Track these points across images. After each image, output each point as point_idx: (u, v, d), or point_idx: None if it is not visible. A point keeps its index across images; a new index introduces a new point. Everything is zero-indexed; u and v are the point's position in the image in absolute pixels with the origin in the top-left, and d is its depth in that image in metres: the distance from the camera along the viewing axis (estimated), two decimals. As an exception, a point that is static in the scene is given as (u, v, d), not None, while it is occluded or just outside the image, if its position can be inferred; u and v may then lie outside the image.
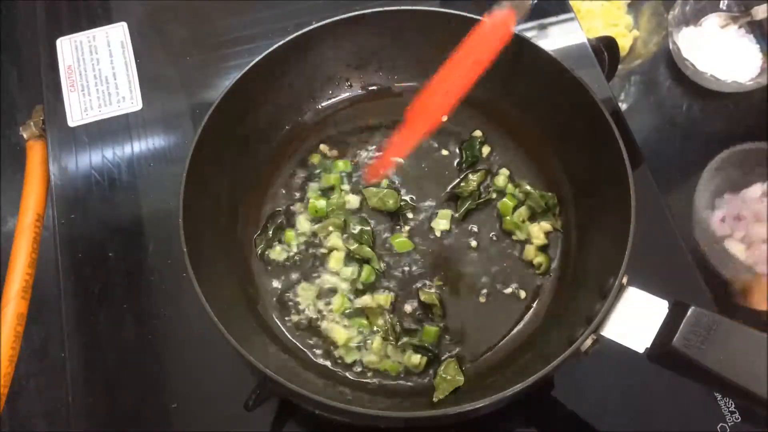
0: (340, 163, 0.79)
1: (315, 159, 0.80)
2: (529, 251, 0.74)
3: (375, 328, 0.70)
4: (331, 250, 0.74)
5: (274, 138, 0.80)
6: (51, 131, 0.85)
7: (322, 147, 0.81)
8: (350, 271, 0.73)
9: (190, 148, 0.67)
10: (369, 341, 0.70)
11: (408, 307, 0.72)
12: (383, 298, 0.72)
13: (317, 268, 0.74)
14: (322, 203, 0.76)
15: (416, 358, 0.68)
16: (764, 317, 0.92)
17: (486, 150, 0.80)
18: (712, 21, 0.94)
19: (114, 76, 0.89)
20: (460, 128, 0.81)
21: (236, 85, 0.71)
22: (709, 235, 0.95)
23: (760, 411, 0.54)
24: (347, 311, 0.72)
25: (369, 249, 0.74)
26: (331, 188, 0.78)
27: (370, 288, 0.73)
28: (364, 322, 0.71)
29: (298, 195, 0.78)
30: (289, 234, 0.75)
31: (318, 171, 0.79)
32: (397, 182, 0.79)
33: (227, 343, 0.59)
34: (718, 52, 0.92)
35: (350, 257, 0.74)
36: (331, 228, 0.75)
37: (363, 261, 0.73)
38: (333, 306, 0.72)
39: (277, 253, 0.75)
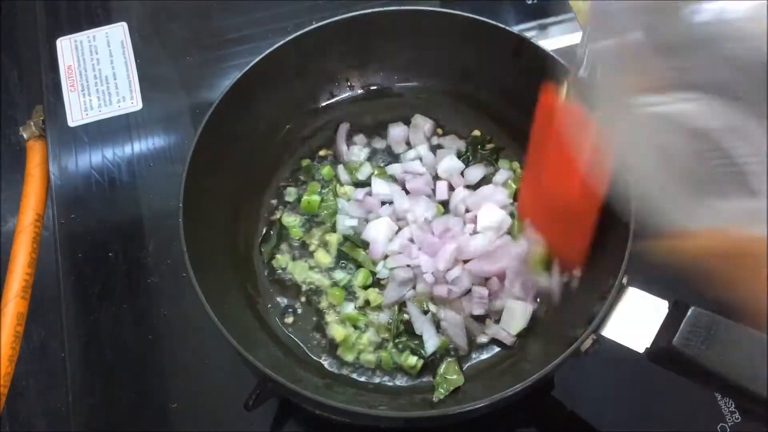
0: (324, 170, 0.78)
1: (305, 162, 0.80)
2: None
3: (371, 324, 0.70)
4: (322, 244, 0.75)
5: (274, 138, 0.80)
6: (51, 131, 0.85)
7: (322, 151, 0.80)
8: (342, 276, 0.73)
9: (190, 148, 0.67)
10: (365, 337, 0.70)
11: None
12: (374, 297, 0.71)
13: (315, 268, 0.74)
14: (315, 198, 0.76)
15: (412, 360, 0.68)
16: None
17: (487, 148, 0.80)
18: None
19: (114, 76, 0.89)
20: (459, 128, 0.81)
21: (236, 85, 0.71)
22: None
23: (760, 411, 0.54)
24: (346, 310, 0.71)
25: (363, 252, 0.74)
26: (324, 189, 0.78)
27: (369, 288, 0.73)
28: (363, 320, 0.70)
29: (297, 195, 0.78)
30: (293, 232, 0.76)
31: (311, 173, 0.79)
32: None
33: (227, 343, 0.59)
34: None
35: (342, 264, 0.74)
36: (325, 235, 0.75)
37: (357, 265, 0.73)
38: (332, 305, 0.72)
39: (280, 260, 0.74)
